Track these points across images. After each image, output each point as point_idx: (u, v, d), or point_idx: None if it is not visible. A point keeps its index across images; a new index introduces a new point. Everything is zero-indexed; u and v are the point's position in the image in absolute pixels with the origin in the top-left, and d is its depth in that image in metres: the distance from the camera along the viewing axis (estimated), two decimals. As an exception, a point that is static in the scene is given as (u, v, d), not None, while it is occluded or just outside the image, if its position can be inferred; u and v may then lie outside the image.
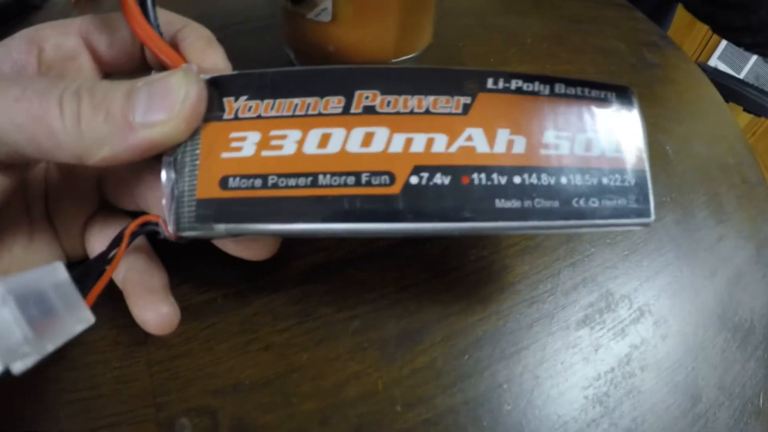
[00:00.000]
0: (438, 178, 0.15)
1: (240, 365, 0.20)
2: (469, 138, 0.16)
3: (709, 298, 0.25)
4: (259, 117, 0.16)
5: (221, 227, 0.15)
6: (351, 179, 0.15)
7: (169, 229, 0.16)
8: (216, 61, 0.18)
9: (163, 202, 0.16)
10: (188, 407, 0.19)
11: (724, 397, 0.22)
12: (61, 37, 0.19)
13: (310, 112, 0.16)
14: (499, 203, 0.15)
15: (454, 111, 0.16)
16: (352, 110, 0.16)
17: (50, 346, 0.13)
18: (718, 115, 0.35)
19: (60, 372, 0.19)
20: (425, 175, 0.15)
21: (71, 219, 0.20)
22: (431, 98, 0.16)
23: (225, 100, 0.16)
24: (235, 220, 0.15)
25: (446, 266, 0.23)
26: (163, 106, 0.15)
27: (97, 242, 0.20)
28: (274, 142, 0.15)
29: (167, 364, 0.20)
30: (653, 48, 0.38)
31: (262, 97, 0.16)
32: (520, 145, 0.16)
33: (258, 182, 0.15)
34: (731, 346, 0.24)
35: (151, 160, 0.16)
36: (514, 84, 0.16)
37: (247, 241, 0.20)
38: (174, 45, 0.18)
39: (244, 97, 0.16)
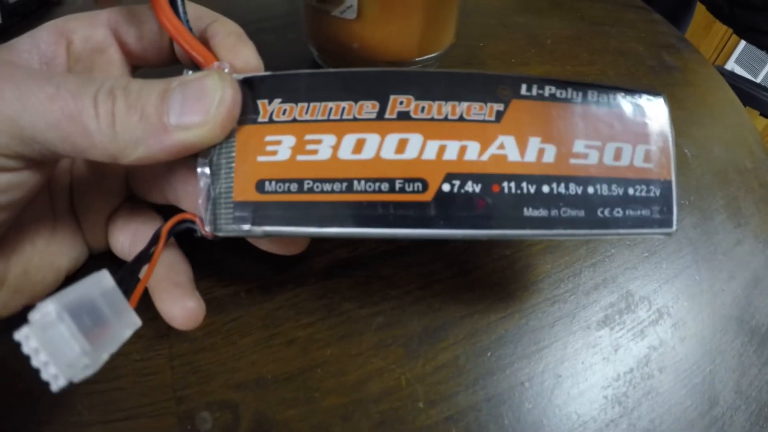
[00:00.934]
0: (469, 186, 0.15)
1: (262, 360, 0.20)
2: (501, 146, 0.16)
3: (726, 302, 0.25)
4: (294, 120, 0.16)
5: (258, 229, 0.16)
6: (385, 185, 0.15)
7: (206, 229, 0.16)
8: (248, 57, 0.18)
9: (200, 201, 0.16)
10: (209, 401, 0.19)
11: (740, 400, 0.22)
12: (89, 29, 0.19)
13: (344, 116, 0.16)
14: (527, 212, 0.15)
15: (487, 118, 0.16)
16: (387, 115, 0.16)
17: (105, 355, 0.13)
18: (737, 119, 0.35)
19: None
20: (457, 182, 0.15)
21: (96, 213, 0.20)
22: (465, 105, 0.16)
23: (259, 102, 0.16)
24: (271, 223, 0.16)
25: (469, 264, 0.23)
26: (199, 109, 0.15)
27: (121, 236, 0.20)
28: (309, 147, 0.16)
29: (189, 358, 0.20)
30: (672, 50, 0.38)
31: (296, 100, 0.16)
32: (550, 154, 0.16)
33: (294, 186, 0.15)
34: (748, 349, 0.24)
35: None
36: (548, 91, 0.16)
37: (279, 238, 0.20)
38: (204, 41, 0.18)
39: (278, 100, 0.16)
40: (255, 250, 0.20)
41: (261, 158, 0.16)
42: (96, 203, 0.20)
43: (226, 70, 0.17)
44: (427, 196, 0.15)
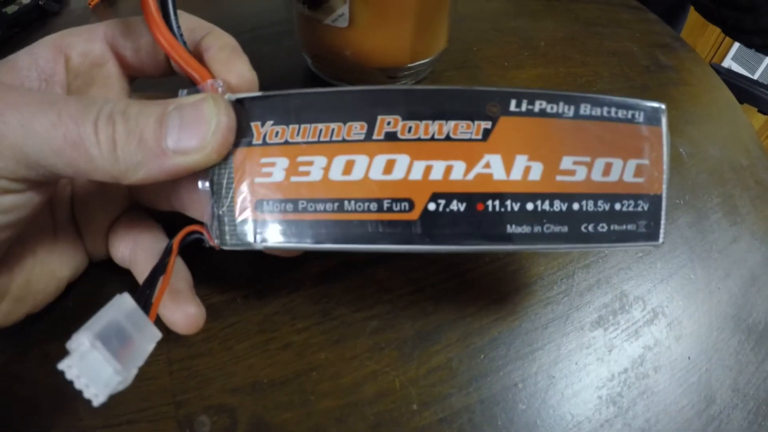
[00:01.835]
0: (454, 205, 0.16)
1: (259, 364, 0.20)
2: (487, 165, 0.16)
3: (723, 300, 0.25)
4: (286, 143, 0.16)
5: (259, 245, 0.17)
6: (374, 205, 0.16)
7: (214, 242, 0.17)
8: (241, 71, 0.18)
9: (205, 218, 0.17)
10: (207, 405, 0.19)
11: (738, 398, 0.22)
12: (87, 44, 0.19)
13: (333, 138, 0.16)
14: (510, 228, 0.16)
15: (474, 137, 0.16)
16: (374, 137, 0.16)
17: (135, 370, 0.14)
18: (732, 117, 0.35)
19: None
20: (442, 201, 0.16)
21: (97, 223, 0.20)
22: (452, 123, 0.16)
23: (252, 124, 0.17)
24: (270, 240, 0.17)
25: (462, 267, 0.24)
26: (195, 134, 0.15)
27: (122, 245, 0.20)
28: (302, 168, 0.16)
29: (187, 363, 0.20)
30: (667, 50, 0.38)
31: (287, 122, 0.16)
32: (536, 172, 0.16)
33: (289, 206, 0.16)
34: (745, 347, 0.24)
35: None
36: (538, 106, 0.16)
37: None
38: (198, 54, 0.18)
39: (270, 122, 0.17)
40: (251, 256, 0.20)
41: (258, 180, 0.16)
42: (97, 214, 0.20)
43: (220, 90, 0.17)
44: (414, 215, 0.16)
